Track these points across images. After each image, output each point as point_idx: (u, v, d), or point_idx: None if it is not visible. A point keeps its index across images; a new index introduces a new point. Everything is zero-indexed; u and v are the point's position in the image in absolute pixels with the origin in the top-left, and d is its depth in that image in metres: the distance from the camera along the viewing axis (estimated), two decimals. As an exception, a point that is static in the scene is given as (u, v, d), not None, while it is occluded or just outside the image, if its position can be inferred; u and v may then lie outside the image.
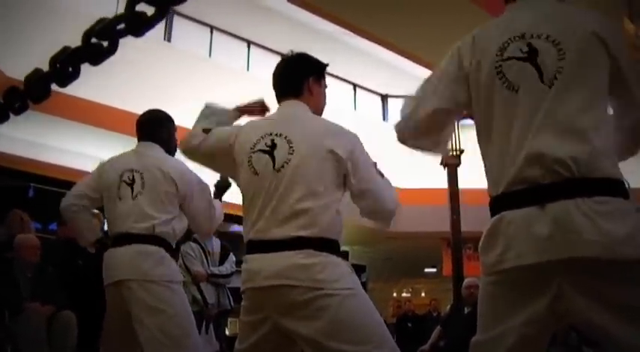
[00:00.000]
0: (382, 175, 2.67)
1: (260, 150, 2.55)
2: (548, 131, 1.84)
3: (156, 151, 3.64)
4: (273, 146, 2.54)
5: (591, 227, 1.74)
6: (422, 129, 2.17)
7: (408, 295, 21.45)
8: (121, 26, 1.94)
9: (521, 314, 1.86)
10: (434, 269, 18.57)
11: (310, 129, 2.58)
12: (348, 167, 2.51)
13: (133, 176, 3.50)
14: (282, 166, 2.48)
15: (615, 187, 1.82)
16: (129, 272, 3.36)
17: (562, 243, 1.76)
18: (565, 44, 1.90)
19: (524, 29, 1.96)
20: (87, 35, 1.95)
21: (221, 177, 3.94)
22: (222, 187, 3.96)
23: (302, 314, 2.35)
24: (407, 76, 15.15)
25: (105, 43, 2.04)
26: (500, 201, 1.92)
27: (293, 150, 2.49)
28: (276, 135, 2.55)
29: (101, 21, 1.94)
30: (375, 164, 2.67)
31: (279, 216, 2.44)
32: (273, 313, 2.41)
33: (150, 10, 1.84)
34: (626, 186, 1.86)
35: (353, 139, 2.59)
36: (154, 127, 3.70)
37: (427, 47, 13.43)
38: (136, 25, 1.93)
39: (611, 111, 1.99)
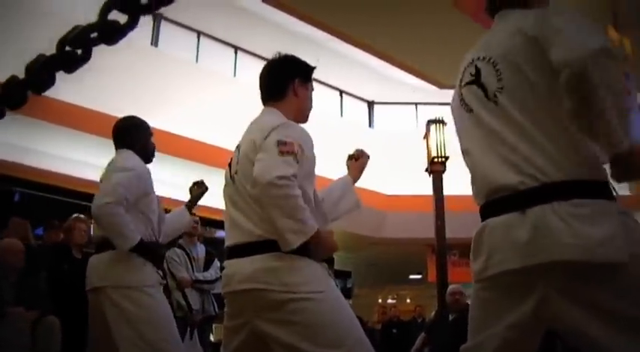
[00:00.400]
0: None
1: (232, 159, 2.66)
2: (505, 146, 1.92)
3: (131, 159, 3.65)
4: (237, 156, 2.63)
5: (568, 230, 1.75)
6: None
7: (394, 301, 21.50)
8: (94, 34, 1.95)
9: (506, 319, 1.90)
10: (419, 276, 18.60)
11: (253, 134, 2.57)
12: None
13: None
14: (234, 175, 2.59)
15: (594, 189, 1.83)
16: (104, 278, 3.39)
17: (541, 247, 1.78)
18: (501, 63, 1.96)
19: (476, 54, 2.08)
20: (61, 43, 1.96)
21: (196, 182, 3.97)
22: (197, 193, 3.98)
23: (276, 318, 2.36)
24: (394, 83, 15.22)
25: (79, 51, 2.05)
26: (484, 210, 1.99)
27: (238, 160, 2.59)
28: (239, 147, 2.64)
29: (75, 29, 1.95)
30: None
31: (250, 222, 2.47)
32: (248, 317, 2.43)
33: (123, 18, 1.85)
34: (610, 186, 1.86)
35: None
36: (130, 134, 3.72)
37: (414, 55, 13.54)
38: (108, 33, 1.94)
39: None
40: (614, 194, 1.86)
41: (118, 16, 1.96)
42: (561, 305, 1.80)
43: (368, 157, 3.11)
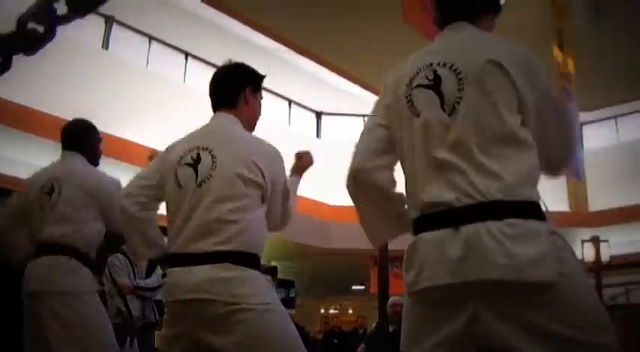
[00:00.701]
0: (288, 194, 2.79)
1: (186, 164, 2.56)
2: (446, 160, 1.89)
3: (77, 161, 3.62)
4: (198, 160, 2.54)
5: (500, 250, 1.76)
6: None
7: (336, 312, 21.54)
8: (13, 43, 1.94)
9: (436, 335, 1.88)
10: (362, 287, 18.71)
11: (236, 145, 2.58)
12: (269, 186, 2.57)
13: (52, 185, 3.48)
14: (204, 181, 2.50)
15: (528, 209, 1.84)
16: (40, 283, 3.34)
17: (473, 265, 1.78)
18: (465, 74, 1.93)
19: (433, 58, 2.02)
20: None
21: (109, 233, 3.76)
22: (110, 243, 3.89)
23: (219, 329, 2.36)
24: (342, 95, 15.34)
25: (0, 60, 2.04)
26: (418, 223, 1.96)
27: (215, 166, 2.51)
28: (202, 148, 2.56)
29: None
30: (285, 182, 2.74)
31: (199, 231, 2.44)
32: (191, 327, 2.41)
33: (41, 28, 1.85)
34: (543, 208, 1.88)
35: (276, 158, 2.65)
36: (80, 137, 3.69)
37: (362, 66, 13.68)
38: (27, 43, 1.94)
39: None
40: (546, 212, 1.88)
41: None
42: (492, 323, 1.80)
43: (311, 158, 3.11)
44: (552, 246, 1.80)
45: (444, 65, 1.98)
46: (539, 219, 1.84)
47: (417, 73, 2.02)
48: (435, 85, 1.97)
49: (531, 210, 1.85)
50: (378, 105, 2.18)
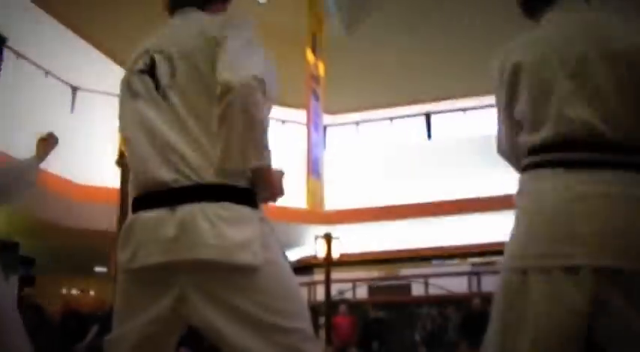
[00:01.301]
0: None
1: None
2: (165, 142, 1.93)
3: None
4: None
5: (212, 231, 1.82)
6: None
7: (78, 292, 20.88)
8: None
9: (148, 313, 1.92)
10: (104, 269, 18.34)
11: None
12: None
13: None
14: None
15: (243, 195, 1.92)
16: None
17: (184, 244, 1.84)
18: (179, 60, 1.99)
19: (152, 45, 2.09)
20: None
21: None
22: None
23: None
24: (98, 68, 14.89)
25: None
26: (136, 202, 2.00)
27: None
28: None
29: None
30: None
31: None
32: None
33: None
34: (255, 196, 1.95)
35: None
36: None
37: (120, 42, 13.38)
38: None
39: None
40: (258, 202, 1.97)
41: None
42: (198, 302, 1.86)
43: (56, 140, 3.09)
44: (261, 232, 1.90)
45: (161, 52, 2.04)
46: (252, 206, 1.93)
47: (137, 59, 2.09)
48: (150, 69, 2.03)
49: (246, 196, 1.93)
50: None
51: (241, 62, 1.89)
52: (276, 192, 2.02)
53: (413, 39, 15.37)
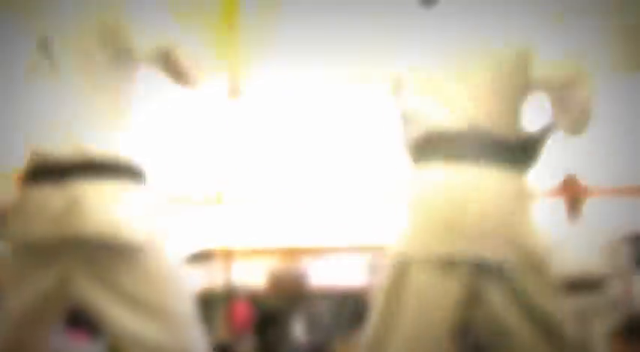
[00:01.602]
0: None
1: None
2: None
3: None
4: None
5: (100, 207, 1.80)
6: None
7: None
8: None
9: (35, 289, 1.89)
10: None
11: None
12: None
13: None
14: None
15: (134, 173, 1.90)
16: None
17: (72, 220, 1.80)
18: None
19: None
20: None
21: None
22: None
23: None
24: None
25: None
26: (28, 175, 1.95)
27: None
28: None
29: None
30: None
31: None
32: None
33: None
34: (142, 173, 1.93)
35: None
36: None
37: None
38: None
39: None
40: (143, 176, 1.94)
41: None
42: (82, 280, 1.83)
43: None
44: (148, 210, 1.89)
45: None
46: (137, 181, 1.91)
47: None
48: None
49: (136, 174, 1.91)
50: None
51: None
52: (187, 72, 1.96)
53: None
